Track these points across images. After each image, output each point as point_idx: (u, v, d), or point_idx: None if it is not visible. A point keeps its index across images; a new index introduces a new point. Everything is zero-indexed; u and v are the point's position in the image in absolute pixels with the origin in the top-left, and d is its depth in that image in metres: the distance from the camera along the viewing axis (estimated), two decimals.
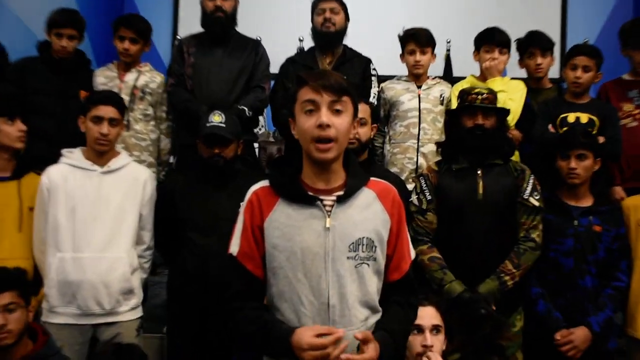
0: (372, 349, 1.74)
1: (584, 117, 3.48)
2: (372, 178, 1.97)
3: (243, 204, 1.95)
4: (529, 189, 2.97)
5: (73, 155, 3.02)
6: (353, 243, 1.85)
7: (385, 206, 1.92)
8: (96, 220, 2.92)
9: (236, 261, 1.90)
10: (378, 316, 1.93)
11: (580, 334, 2.88)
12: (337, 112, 1.82)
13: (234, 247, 1.92)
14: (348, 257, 1.85)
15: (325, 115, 1.78)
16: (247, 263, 1.90)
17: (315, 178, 1.90)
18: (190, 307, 3.06)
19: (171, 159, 4.11)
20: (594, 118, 3.48)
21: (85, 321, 2.89)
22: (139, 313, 3.06)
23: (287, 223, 1.86)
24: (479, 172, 2.98)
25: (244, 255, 1.90)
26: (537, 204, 2.96)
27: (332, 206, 1.87)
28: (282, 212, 1.88)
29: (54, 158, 3.16)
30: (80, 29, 3.77)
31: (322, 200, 1.87)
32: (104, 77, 3.84)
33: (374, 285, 1.89)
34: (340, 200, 1.87)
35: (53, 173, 2.96)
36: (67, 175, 2.95)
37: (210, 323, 3.03)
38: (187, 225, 3.10)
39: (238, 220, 1.95)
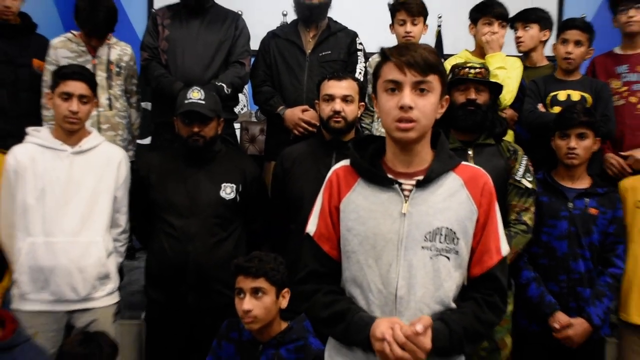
0: (425, 319, 1.69)
1: (576, 95, 3.53)
2: (463, 163, 1.91)
3: (324, 183, 1.97)
4: (521, 170, 3.01)
5: (40, 135, 3.02)
6: (430, 232, 1.79)
7: (472, 195, 1.84)
8: (68, 203, 2.94)
9: (312, 241, 1.93)
10: None
11: (579, 328, 2.94)
12: (422, 92, 1.77)
13: (311, 227, 1.94)
14: (423, 247, 1.79)
15: (407, 97, 1.74)
16: (323, 244, 1.92)
17: (396, 160, 1.87)
18: (169, 293, 3.10)
19: (147, 140, 4.09)
20: (587, 95, 3.52)
21: (60, 308, 2.92)
22: (115, 299, 3.10)
23: (363, 205, 1.85)
24: (469, 152, 3.01)
25: (321, 236, 1.92)
26: (529, 185, 3.00)
27: (411, 191, 1.82)
28: (359, 193, 1.87)
29: (13, 134, 3.19)
30: None
31: (400, 184, 1.83)
32: (68, 51, 3.73)
33: (451, 281, 1.81)
34: (421, 185, 1.82)
35: (20, 153, 2.97)
36: (35, 155, 2.96)
37: (190, 309, 3.07)
38: (164, 208, 3.12)
39: (317, 199, 1.97)
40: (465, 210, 1.83)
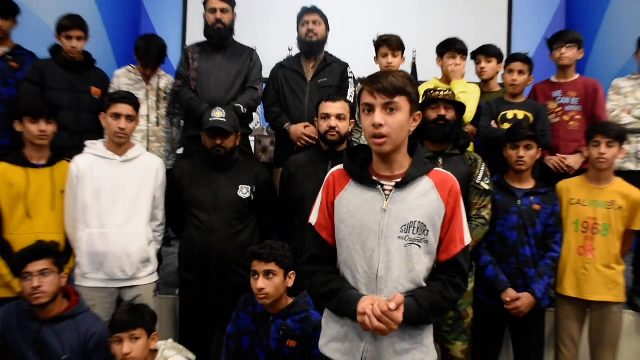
0: (399, 297, 1.72)
1: (520, 114, 3.55)
2: (436, 169, 1.91)
3: (324, 183, 1.97)
4: (480, 174, 3.02)
5: (96, 147, 3.06)
6: (405, 225, 1.80)
7: (441, 195, 1.84)
8: (117, 201, 2.99)
9: (314, 230, 1.94)
10: None
11: (525, 300, 2.97)
12: (391, 111, 1.77)
13: (313, 218, 1.95)
14: (399, 237, 1.80)
15: (377, 117, 1.76)
16: (322, 232, 1.92)
17: (380, 166, 1.87)
18: (198, 273, 3.10)
19: (180, 150, 4.12)
20: (529, 114, 3.55)
21: (112, 285, 2.98)
22: (155, 278, 3.14)
23: (353, 202, 1.86)
24: (440, 160, 3.00)
25: (320, 225, 1.93)
26: (487, 187, 3.01)
27: (391, 191, 1.83)
28: (350, 192, 1.88)
29: (76, 146, 3.20)
30: (85, 30, 3.72)
31: (382, 185, 1.84)
32: (127, 79, 3.82)
33: (422, 265, 1.82)
34: (399, 186, 1.83)
35: (80, 162, 3.01)
36: (92, 163, 3.00)
37: (214, 287, 3.07)
38: (193, 205, 3.13)
39: (318, 196, 1.97)
40: (435, 207, 1.84)
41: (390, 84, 1.76)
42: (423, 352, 1.86)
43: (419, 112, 1.87)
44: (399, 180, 1.83)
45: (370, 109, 1.78)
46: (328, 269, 1.91)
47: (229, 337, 2.71)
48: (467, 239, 1.89)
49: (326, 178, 1.96)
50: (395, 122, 1.77)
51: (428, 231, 1.81)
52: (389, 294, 1.77)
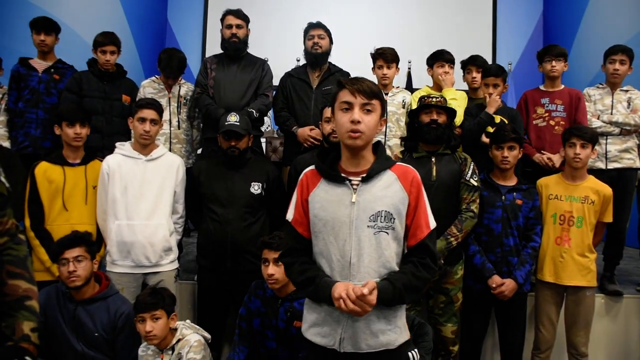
0: (371, 283, 1.70)
1: (497, 118, 3.45)
2: (398, 163, 1.88)
3: (298, 183, 1.92)
4: (469, 172, 2.98)
5: (124, 147, 3.07)
6: (373, 215, 1.77)
7: (404, 185, 1.81)
8: (143, 196, 3.00)
9: (291, 226, 1.90)
10: None
11: (509, 285, 2.94)
12: (367, 112, 1.77)
13: (290, 215, 1.91)
14: (368, 226, 1.77)
15: (357, 114, 1.75)
16: (298, 227, 1.88)
17: (349, 163, 1.85)
18: (214, 261, 3.09)
19: (199, 150, 4.12)
20: (504, 119, 3.47)
21: (138, 271, 2.99)
22: (176, 265, 3.13)
23: (324, 198, 1.82)
24: (433, 159, 2.97)
25: (296, 221, 1.89)
26: (475, 183, 2.97)
27: (358, 185, 1.81)
28: (322, 189, 1.84)
29: (107, 147, 3.25)
30: (118, 46, 3.78)
31: (350, 180, 1.82)
32: (152, 88, 3.80)
33: (390, 250, 1.80)
34: (365, 180, 1.80)
35: (111, 161, 3.03)
36: (121, 162, 3.01)
37: (228, 273, 3.06)
38: (210, 199, 3.12)
39: (294, 194, 1.93)
40: (398, 197, 1.81)
41: (369, 88, 1.77)
42: (397, 333, 1.84)
43: (385, 118, 1.85)
44: (364, 174, 1.82)
45: (349, 107, 1.77)
46: (304, 260, 1.87)
47: (241, 319, 2.70)
48: (432, 223, 1.86)
49: (300, 178, 1.92)
50: (371, 121, 1.78)
51: (394, 219, 1.79)
52: (361, 279, 1.76)
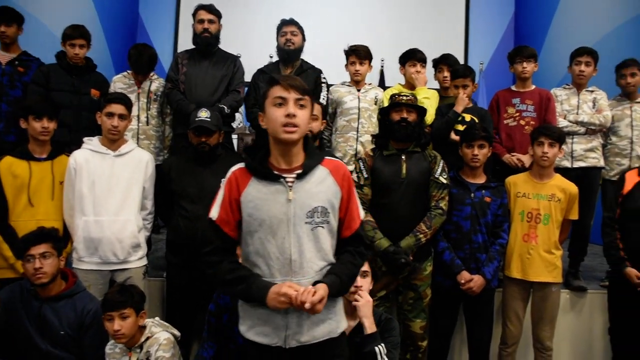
0: (321, 291, 1.74)
1: (468, 117, 3.51)
2: (326, 157, 1.92)
3: (224, 180, 1.89)
4: (439, 170, 3.01)
5: (92, 142, 3.03)
6: (310, 211, 1.81)
7: (336, 180, 1.87)
8: (111, 191, 2.96)
9: (215, 225, 1.86)
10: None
11: (477, 281, 2.98)
12: (301, 107, 1.80)
13: (214, 213, 1.87)
14: (306, 222, 1.81)
15: (292, 108, 1.77)
16: (224, 227, 1.85)
17: (280, 159, 1.85)
18: (184, 258, 3.07)
19: None
20: (475, 118, 3.52)
21: (105, 267, 2.96)
22: (144, 262, 3.10)
23: (258, 196, 1.81)
24: (403, 157, 3.00)
25: (222, 220, 1.85)
26: (444, 181, 3.01)
27: (292, 182, 1.82)
28: (254, 188, 1.83)
29: (75, 142, 3.18)
30: (87, 39, 3.73)
31: (284, 178, 1.82)
32: (122, 83, 3.80)
33: (328, 243, 1.86)
34: (300, 177, 1.83)
35: (78, 156, 2.98)
36: (89, 157, 2.97)
37: (197, 270, 2.94)
38: (180, 196, 3.10)
39: (219, 192, 1.89)
40: (332, 191, 1.87)
41: (301, 84, 1.81)
42: (336, 321, 1.90)
43: (315, 114, 1.93)
44: (299, 171, 1.83)
45: (283, 101, 1.78)
46: (233, 259, 1.88)
47: (210, 314, 2.68)
48: (362, 214, 1.96)
49: (227, 177, 1.89)
50: (305, 115, 1.81)
51: (329, 213, 1.84)
52: (304, 275, 1.80)
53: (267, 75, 3.78)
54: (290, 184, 1.82)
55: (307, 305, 1.69)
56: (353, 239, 1.91)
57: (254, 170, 1.85)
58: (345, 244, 1.92)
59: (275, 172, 1.83)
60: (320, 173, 1.86)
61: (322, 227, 1.83)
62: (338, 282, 1.81)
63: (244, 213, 1.83)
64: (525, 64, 3.70)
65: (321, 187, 1.84)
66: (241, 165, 1.90)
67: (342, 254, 1.90)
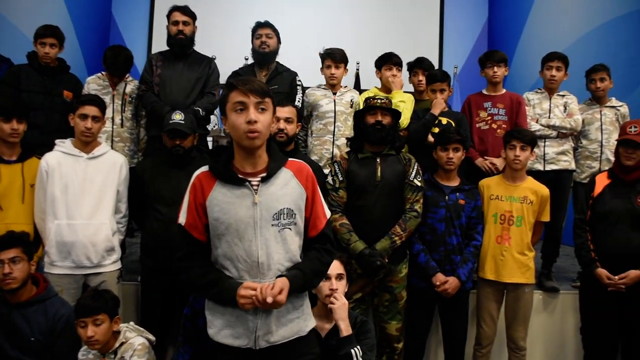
0: (279, 282, 1.75)
1: (444, 120, 3.55)
2: (289, 159, 1.93)
3: (189, 185, 1.88)
4: (413, 173, 3.04)
5: (65, 145, 2.98)
6: (276, 213, 1.81)
7: (300, 181, 1.88)
8: (84, 194, 2.91)
9: (184, 230, 1.85)
10: None
11: (452, 283, 3.01)
12: (262, 111, 1.78)
13: (182, 219, 1.86)
14: (272, 225, 1.81)
15: (252, 114, 1.75)
16: (192, 231, 1.84)
17: (244, 163, 1.84)
18: (158, 261, 3.04)
19: None
20: (451, 121, 3.56)
21: (78, 272, 2.91)
22: (118, 266, 3.06)
23: (224, 200, 1.81)
24: (378, 160, 3.02)
25: (190, 225, 1.84)
26: (419, 184, 3.03)
27: (258, 185, 1.82)
28: (219, 192, 1.82)
29: (46, 144, 3.10)
30: (59, 39, 3.67)
31: (250, 182, 1.82)
32: (96, 85, 3.75)
33: (295, 244, 1.87)
34: (264, 180, 1.83)
35: (50, 158, 2.92)
36: (61, 160, 2.92)
37: (172, 273, 2.92)
38: (154, 199, 3.07)
39: (185, 197, 1.88)
40: (297, 193, 1.87)
41: (260, 87, 1.79)
42: (305, 319, 1.92)
43: (277, 115, 1.92)
44: (264, 174, 1.83)
45: (244, 107, 1.76)
46: (203, 263, 1.86)
47: (186, 318, 2.66)
48: (328, 213, 1.97)
49: (191, 181, 1.87)
50: (266, 120, 1.79)
51: (295, 214, 1.85)
52: (273, 277, 1.80)
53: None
54: (255, 187, 1.82)
55: (268, 300, 1.70)
56: (320, 238, 1.93)
57: (219, 174, 1.84)
58: (312, 243, 1.93)
59: (240, 176, 1.83)
60: (285, 175, 1.87)
61: (290, 228, 1.84)
62: (300, 275, 1.82)
63: (210, 217, 1.82)
64: (496, 69, 3.76)
65: (286, 189, 1.85)
66: (205, 168, 1.89)
67: (309, 252, 1.92)
